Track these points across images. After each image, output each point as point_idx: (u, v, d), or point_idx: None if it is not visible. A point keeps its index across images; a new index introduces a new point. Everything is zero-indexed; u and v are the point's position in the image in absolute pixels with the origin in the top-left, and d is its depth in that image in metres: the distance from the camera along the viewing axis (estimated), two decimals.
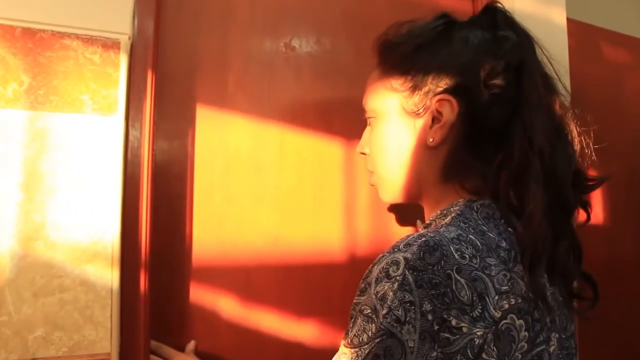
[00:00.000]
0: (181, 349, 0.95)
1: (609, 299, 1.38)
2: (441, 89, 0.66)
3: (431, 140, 0.67)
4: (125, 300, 0.84)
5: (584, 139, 0.68)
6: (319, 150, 1.06)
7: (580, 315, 0.68)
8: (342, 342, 0.58)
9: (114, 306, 0.82)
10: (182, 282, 0.96)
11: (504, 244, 0.59)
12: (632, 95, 1.45)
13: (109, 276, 0.82)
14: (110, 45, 0.85)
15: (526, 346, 0.57)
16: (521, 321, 0.56)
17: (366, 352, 0.52)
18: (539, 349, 0.59)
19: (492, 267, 0.56)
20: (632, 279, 1.43)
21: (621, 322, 1.37)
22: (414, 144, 0.69)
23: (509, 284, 0.56)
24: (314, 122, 1.06)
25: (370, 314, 0.53)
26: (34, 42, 0.80)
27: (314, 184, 1.06)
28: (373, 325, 0.53)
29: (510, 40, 0.66)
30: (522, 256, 0.59)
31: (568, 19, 1.26)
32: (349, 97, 1.08)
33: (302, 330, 1.03)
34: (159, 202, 0.92)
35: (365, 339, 0.53)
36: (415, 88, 0.68)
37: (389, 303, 0.52)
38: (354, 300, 0.58)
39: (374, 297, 0.54)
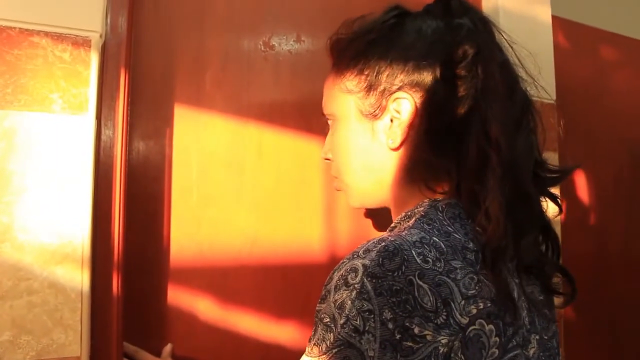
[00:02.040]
0: (158, 352, 0.93)
1: (598, 296, 1.37)
2: (396, 86, 0.63)
3: (391, 141, 0.65)
4: (97, 303, 0.82)
5: (558, 126, 0.67)
6: (298, 150, 1.05)
7: (559, 308, 0.67)
8: (307, 348, 0.57)
9: (84, 309, 0.81)
10: (158, 283, 0.95)
11: (470, 245, 0.57)
12: (618, 92, 1.44)
13: (79, 278, 0.81)
14: (81, 43, 0.83)
15: (497, 352, 0.54)
16: (491, 326, 0.53)
17: None
18: (512, 354, 0.56)
19: (458, 271, 0.54)
20: (620, 276, 1.42)
21: (610, 319, 1.36)
22: (374, 146, 0.67)
23: (477, 287, 0.54)
24: (293, 121, 1.05)
25: (329, 323, 0.52)
26: (1, 39, 0.79)
27: (293, 184, 1.04)
28: (331, 334, 0.52)
29: (464, 27, 0.63)
30: (483, 254, 0.56)
31: (553, 17, 1.25)
32: None
33: (281, 332, 1.01)
34: (134, 203, 0.90)
35: (324, 349, 0.52)
36: (370, 88, 0.66)
37: (347, 312, 0.50)
38: (316, 307, 0.56)
39: (332, 305, 0.52)
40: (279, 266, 1.02)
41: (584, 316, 1.25)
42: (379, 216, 1.09)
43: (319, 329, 0.54)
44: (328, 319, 0.53)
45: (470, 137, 0.59)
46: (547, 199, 0.67)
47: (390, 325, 0.49)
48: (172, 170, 0.97)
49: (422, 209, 0.62)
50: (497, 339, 0.54)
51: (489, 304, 0.54)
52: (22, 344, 0.76)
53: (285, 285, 1.02)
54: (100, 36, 0.86)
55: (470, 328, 0.52)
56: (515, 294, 0.58)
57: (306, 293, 1.03)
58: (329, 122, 0.76)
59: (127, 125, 0.88)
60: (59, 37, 0.82)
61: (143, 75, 0.95)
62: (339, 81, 0.70)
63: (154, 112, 0.96)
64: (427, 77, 0.62)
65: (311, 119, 1.06)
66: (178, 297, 0.96)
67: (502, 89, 0.60)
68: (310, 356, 0.54)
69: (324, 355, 0.51)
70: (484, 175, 0.57)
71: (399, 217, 0.66)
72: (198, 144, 0.98)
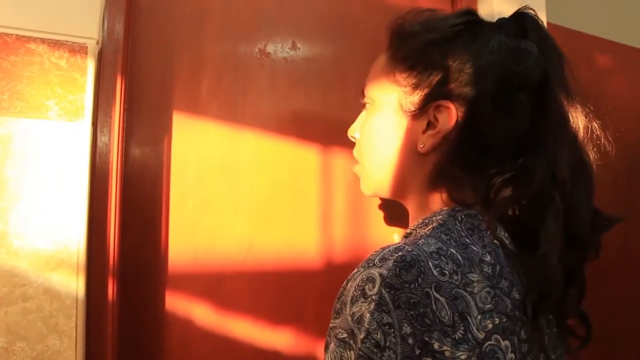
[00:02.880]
0: (153, 358, 0.93)
1: (594, 301, 1.37)
2: (443, 94, 0.60)
3: (421, 146, 0.62)
4: (92, 310, 0.83)
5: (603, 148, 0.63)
6: (294, 157, 1.05)
7: (570, 352, 0.64)
8: None
9: (80, 315, 0.81)
10: (154, 290, 0.95)
11: (488, 258, 0.55)
12: (613, 99, 1.45)
13: (75, 285, 0.81)
14: (78, 49, 0.84)
15: None
16: (507, 342, 0.51)
17: None
18: None
19: (475, 284, 0.52)
20: (617, 281, 1.42)
21: (607, 323, 1.36)
22: (403, 145, 0.64)
23: (493, 301, 0.52)
24: (288, 128, 1.05)
25: (347, 339, 0.49)
26: None
27: (289, 191, 1.04)
28: (351, 352, 0.48)
29: (534, 55, 0.59)
30: (527, 295, 0.54)
31: (548, 24, 1.25)
32: (325, 103, 1.08)
33: (276, 338, 1.01)
34: (130, 209, 0.90)
35: None
36: (417, 86, 0.63)
37: (367, 326, 0.47)
38: (330, 324, 0.53)
39: (349, 319, 0.49)
40: (274, 272, 1.02)
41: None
42: (375, 223, 1.09)
43: (335, 347, 0.50)
44: (345, 335, 0.49)
45: (534, 174, 0.56)
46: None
47: (411, 341, 0.47)
48: (168, 176, 0.97)
49: (440, 217, 0.60)
50: (513, 355, 0.52)
51: (504, 320, 0.52)
52: (16, 350, 0.76)
53: (281, 291, 1.02)
54: (97, 43, 0.86)
55: (487, 343, 0.50)
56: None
57: (301, 299, 1.03)
58: (366, 103, 0.72)
59: (123, 131, 0.89)
60: (55, 44, 0.82)
61: (139, 82, 0.95)
62: (389, 69, 0.67)
63: (150, 118, 0.97)
64: (478, 94, 0.59)
65: (307, 126, 1.06)
66: (174, 303, 0.96)
67: (569, 128, 0.58)
68: None
69: None
70: (542, 216, 0.55)
71: (416, 223, 0.63)
72: (194, 151, 0.99)
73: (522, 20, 0.63)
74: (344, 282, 0.54)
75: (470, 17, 0.64)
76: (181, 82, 0.99)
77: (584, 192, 0.58)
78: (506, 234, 0.58)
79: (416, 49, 0.64)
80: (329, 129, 1.06)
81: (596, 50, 1.44)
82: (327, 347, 0.53)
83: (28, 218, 0.79)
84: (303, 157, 1.06)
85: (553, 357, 0.61)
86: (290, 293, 1.03)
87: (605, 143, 0.66)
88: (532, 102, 0.58)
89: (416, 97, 0.63)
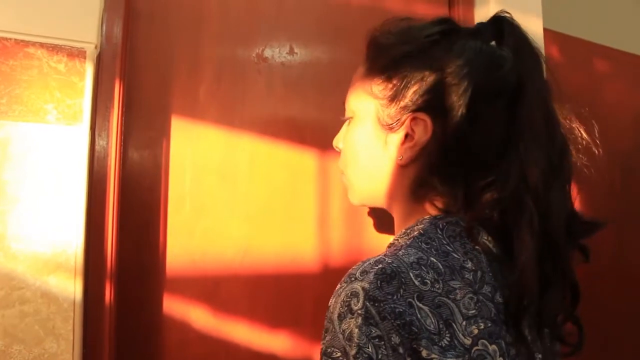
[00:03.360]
0: None
1: (588, 309, 1.38)
2: (419, 105, 0.60)
3: (400, 158, 0.63)
4: (89, 312, 0.83)
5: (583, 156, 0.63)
6: (290, 161, 1.06)
7: (564, 356, 0.64)
8: None
9: (77, 318, 0.81)
10: (151, 293, 0.95)
11: (469, 265, 0.55)
12: (609, 104, 1.45)
13: (72, 288, 0.81)
14: (76, 54, 0.84)
15: None
16: (494, 346, 0.52)
17: None
18: None
19: (457, 291, 0.53)
20: (612, 289, 1.42)
21: (600, 332, 1.36)
22: (383, 157, 0.65)
23: (477, 307, 0.53)
24: (285, 132, 1.06)
25: (340, 357, 0.49)
26: None
27: (286, 195, 1.05)
28: None
29: (509, 61, 0.59)
30: (507, 306, 0.54)
31: (545, 29, 1.26)
32: (322, 107, 1.08)
33: (273, 341, 1.02)
34: (128, 213, 0.91)
35: None
36: (393, 99, 0.63)
37: (357, 341, 0.48)
38: (321, 343, 0.53)
39: (341, 337, 0.49)
40: (271, 276, 1.02)
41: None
42: (370, 226, 1.10)
43: None
44: (339, 354, 0.49)
45: (507, 180, 0.56)
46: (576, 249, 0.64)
47: (401, 350, 0.48)
48: (166, 180, 0.98)
49: (421, 226, 0.60)
50: (502, 359, 0.53)
51: (489, 324, 0.53)
52: (13, 353, 0.76)
53: (277, 294, 1.02)
54: (96, 47, 0.87)
55: (474, 349, 0.51)
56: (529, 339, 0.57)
57: (297, 302, 1.04)
58: (347, 114, 0.73)
59: (121, 135, 0.89)
60: (54, 48, 0.83)
61: (138, 86, 0.96)
62: (367, 81, 0.67)
63: (148, 122, 0.97)
64: (455, 103, 0.58)
65: (303, 130, 1.07)
66: (171, 306, 0.96)
67: (544, 132, 0.57)
68: None
69: None
70: (517, 223, 0.55)
71: (400, 233, 0.63)
72: (192, 154, 0.99)
73: (499, 24, 0.63)
74: (330, 299, 0.54)
75: (446, 26, 0.64)
76: (179, 86, 1.00)
77: (559, 197, 0.58)
78: (489, 238, 0.58)
79: (392, 61, 0.63)
80: (325, 133, 1.06)
81: (593, 56, 1.44)
82: None
83: (26, 221, 0.79)
84: (300, 161, 1.06)
85: (550, 358, 0.62)
86: (287, 296, 1.03)
87: (592, 145, 0.65)
88: (508, 109, 0.58)
89: (393, 109, 0.63)
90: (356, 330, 0.48)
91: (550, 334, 0.62)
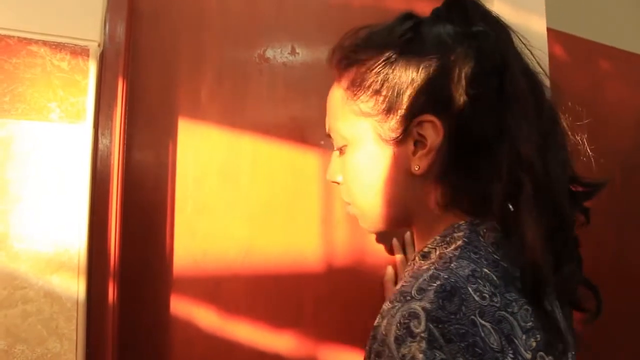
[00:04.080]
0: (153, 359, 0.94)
1: (588, 304, 1.38)
2: (420, 108, 0.57)
3: (417, 168, 0.58)
4: (93, 312, 0.83)
5: (577, 134, 0.61)
6: (293, 162, 1.05)
7: (585, 323, 0.61)
8: None
9: (80, 318, 0.81)
10: (154, 292, 0.95)
11: (518, 274, 0.52)
12: (611, 104, 1.45)
13: (75, 287, 0.81)
14: (79, 52, 0.84)
15: None
16: (550, 357, 0.50)
17: None
18: None
19: (514, 303, 0.50)
20: (612, 289, 1.42)
21: (602, 331, 1.37)
22: (396, 173, 0.60)
23: (531, 318, 0.50)
24: (287, 133, 1.05)
25: None
26: None
27: (287, 195, 1.05)
28: None
29: (489, 36, 0.56)
30: (524, 289, 0.52)
31: (548, 29, 1.26)
32: (324, 108, 1.08)
33: (275, 340, 1.01)
34: (131, 212, 0.90)
35: None
36: (389, 110, 0.59)
37: None
38: None
39: None
40: (273, 276, 1.02)
41: (577, 327, 1.25)
42: None
43: None
44: None
45: (501, 160, 0.53)
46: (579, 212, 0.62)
47: None
48: (170, 179, 0.97)
49: (461, 233, 0.56)
50: None
51: (543, 334, 0.51)
52: (16, 353, 0.76)
53: (280, 294, 1.02)
54: (99, 45, 0.86)
55: None
56: (561, 324, 0.54)
57: (299, 303, 1.03)
58: (335, 144, 0.69)
59: (124, 134, 0.89)
60: (57, 46, 0.82)
61: (141, 84, 0.95)
62: (351, 102, 0.62)
63: (152, 121, 0.97)
64: (452, 95, 0.55)
65: (305, 131, 1.06)
66: (174, 306, 0.96)
67: (529, 103, 0.54)
68: None
69: None
70: (517, 199, 0.52)
71: (433, 241, 0.59)
72: (195, 154, 0.99)
73: (460, 5, 0.60)
74: (378, 318, 0.50)
75: (413, 21, 0.61)
76: (182, 85, 0.99)
77: (556, 166, 0.55)
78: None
79: (373, 73, 0.60)
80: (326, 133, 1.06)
81: (596, 55, 1.44)
82: None
83: (29, 220, 0.79)
84: (301, 161, 1.06)
85: (573, 352, 0.60)
86: (288, 296, 1.03)
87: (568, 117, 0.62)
88: (498, 87, 0.55)
89: (392, 121, 0.59)
90: (420, 355, 0.44)
91: (567, 302, 0.60)
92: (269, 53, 1.06)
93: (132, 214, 0.91)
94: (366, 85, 0.60)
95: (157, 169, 0.96)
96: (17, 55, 0.80)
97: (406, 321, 0.46)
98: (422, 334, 0.45)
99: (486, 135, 0.55)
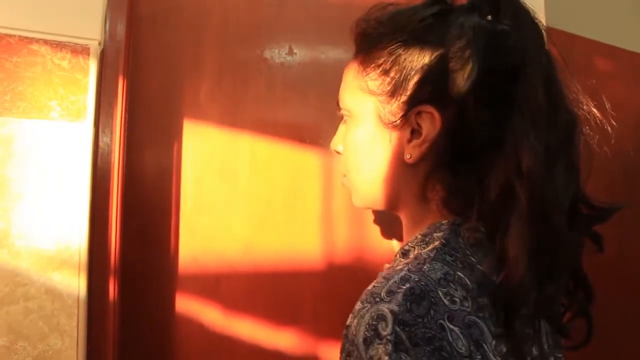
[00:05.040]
0: (154, 357, 0.94)
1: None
2: (423, 97, 0.55)
3: (408, 157, 0.57)
4: (94, 309, 0.83)
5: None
6: (291, 160, 1.06)
7: (570, 350, 0.61)
8: None
9: (81, 315, 0.81)
10: (155, 289, 0.95)
11: (495, 278, 0.51)
12: (611, 103, 1.45)
13: (76, 284, 0.81)
14: (80, 50, 0.84)
15: None
16: None
17: None
18: None
19: (486, 308, 0.49)
20: (613, 290, 1.42)
21: (602, 330, 1.37)
22: (390, 157, 0.59)
23: None
24: (285, 132, 1.06)
25: None
26: (0, 47, 0.79)
27: (285, 194, 1.05)
28: None
29: (511, 37, 0.53)
30: (495, 306, 0.50)
31: (548, 28, 1.25)
32: (321, 107, 1.08)
33: (276, 338, 1.02)
34: (131, 209, 0.91)
35: None
36: (394, 93, 0.57)
37: None
38: None
39: None
40: (272, 273, 1.03)
41: (577, 328, 1.25)
42: (371, 224, 1.10)
43: None
44: None
45: (499, 167, 0.51)
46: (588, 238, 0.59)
47: None
48: (169, 177, 0.98)
49: (441, 234, 0.55)
50: None
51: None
52: (18, 349, 0.77)
53: (279, 292, 1.03)
54: (99, 44, 0.87)
55: None
56: (531, 342, 0.53)
57: (298, 300, 1.04)
58: (344, 115, 0.67)
59: (124, 132, 0.89)
60: (58, 45, 0.83)
61: (141, 83, 0.95)
62: (360, 77, 0.61)
63: (152, 119, 0.97)
64: (460, 90, 0.52)
65: (303, 130, 1.07)
66: (173, 303, 0.97)
67: (543, 112, 0.52)
68: None
69: None
70: (507, 213, 0.50)
71: (414, 239, 0.59)
72: (194, 152, 0.99)
73: None
74: (349, 318, 0.50)
75: (440, 7, 0.58)
76: (182, 84, 1.00)
77: (561, 181, 0.52)
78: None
79: (386, 53, 0.58)
80: (325, 132, 1.06)
81: (596, 54, 1.44)
82: None
83: (30, 218, 0.79)
84: (299, 160, 1.06)
85: (559, 355, 0.60)
86: (288, 294, 1.03)
87: (606, 126, 0.59)
88: (511, 91, 0.52)
89: (394, 105, 0.58)
90: (386, 357, 0.44)
91: (554, 329, 0.59)
92: (267, 53, 1.06)
93: (133, 212, 0.92)
94: (378, 64, 0.59)
95: (157, 166, 0.97)
96: (18, 54, 0.80)
97: (374, 323, 0.46)
98: (389, 337, 0.45)
99: (487, 138, 0.53)
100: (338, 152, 0.72)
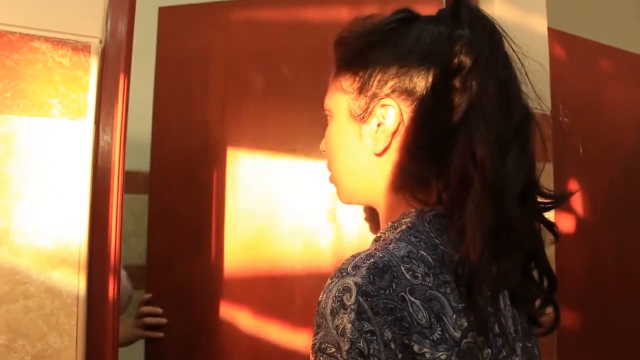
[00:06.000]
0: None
1: (591, 309, 1.38)
2: (386, 92, 0.62)
3: (374, 147, 0.63)
4: (93, 308, 0.83)
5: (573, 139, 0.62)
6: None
7: (540, 335, 0.66)
8: None
9: (80, 314, 0.81)
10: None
11: (457, 257, 0.55)
12: (612, 104, 1.45)
13: (76, 283, 0.81)
14: (81, 48, 0.84)
15: None
16: (482, 338, 0.53)
17: None
18: None
19: (447, 285, 0.54)
20: (613, 289, 1.43)
21: (603, 331, 1.37)
22: (360, 149, 0.65)
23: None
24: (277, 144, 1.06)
25: (335, 353, 0.50)
26: (1, 44, 0.79)
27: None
28: None
29: (465, 37, 0.59)
30: (457, 282, 0.54)
31: (549, 29, 1.26)
32: (313, 122, 1.09)
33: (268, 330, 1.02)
34: None
35: None
36: (361, 90, 0.64)
37: (349, 336, 0.49)
38: (313, 340, 0.53)
39: (334, 332, 0.50)
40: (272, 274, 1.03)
41: (577, 329, 1.25)
42: (362, 225, 1.10)
43: None
44: (333, 349, 0.50)
45: (456, 155, 0.56)
46: (542, 226, 0.65)
47: (393, 346, 0.49)
48: None
49: (408, 219, 0.60)
50: (489, 350, 0.54)
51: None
52: (17, 348, 0.76)
53: (274, 289, 1.03)
54: (100, 42, 0.86)
55: (464, 341, 0.52)
56: (493, 318, 0.57)
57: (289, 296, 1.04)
58: (326, 114, 0.74)
59: (125, 130, 0.89)
60: (59, 43, 0.82)
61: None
62: (337, 79, 0.68)
63: None
64: (418, 86, 0.60)
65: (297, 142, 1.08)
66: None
67: (494, 106, 0.57)
68: None
69: None
70: (464, 197, 0.55)
71: (386, 227, 0.64)
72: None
73: (456, 7, 0.63)
74: (321, 294, 0.54)
75: (404, 14, 0.66)
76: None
77: (512, 170, 0.57)
78: None
79: (356, 54, 0.66)
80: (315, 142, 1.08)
81: (597, 55, 1.44)
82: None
83: (30, 216, 0.79)
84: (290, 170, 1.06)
85: (529, 344, 0.64)
86: (282, 293, 1.03)
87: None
88: (465, 87, 0.58)
89: (362, 101, 0.64)
90: (349, 325, 0.49)
91: (527, 317, 0.64)
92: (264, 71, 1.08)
93: None
94: (349, 65, 0.66)
95: None
96: (19, 52, 0.80)
97: (340, 295, 0.51)
98: (352, 306, 0.49)
99: (446, 130, 0.58)
100: (324, 151, 0.77)
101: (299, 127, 1.08)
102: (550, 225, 0.65)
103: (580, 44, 1.39)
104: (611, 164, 1.43)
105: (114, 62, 0.87)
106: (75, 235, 0.82)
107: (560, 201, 0.65)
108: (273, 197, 1.04)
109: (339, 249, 1.08)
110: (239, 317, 0.99)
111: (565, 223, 1.30)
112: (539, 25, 1.25)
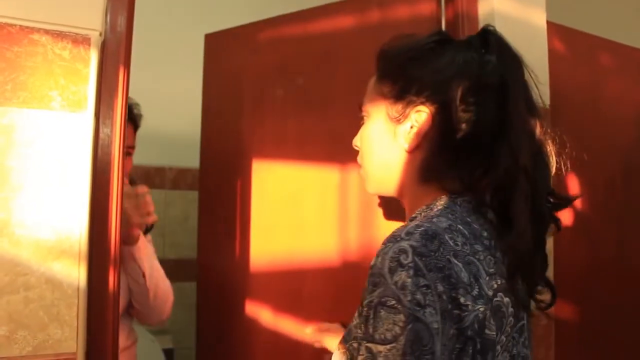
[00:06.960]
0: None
1: (590, 303, 1.38)
2: (420, 100, 0.72)
3: (406, 145, 0.74)
4: (94, 299, 0.83)
5: (561, 158, 0.75)
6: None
7: (538, 314, 0.74)
8: (363, 344, 0.59)
9: (81, 305, 0.82)
10: None
11: (485, 234, 0.68)
12: (611, 99, 1.45)
13: (76, 274, 0.81)
14: (81, 40, 0.84)
15: (513, 321, 0.65)
16: (507, 299, 0.64)
17: (403, 343, 0.56)
18: (520, 323, 0.68)
19: (480, 253, 0.64)
20: (613, 283, 1.43)
21: (602, 325, 1.37)
22: (393, 147, 0.76)
23: (495, 266, 0.65)
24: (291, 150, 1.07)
25: (395, 305, 0.57)
26: (1, 36, 0.79)
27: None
28: (401, 315, 0.57)
29: (492, 63, 0.72)
30: (509, 265, 0.65)
31: (548, 22, 1.26)
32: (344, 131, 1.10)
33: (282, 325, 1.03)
34: None
35: (398, 331, 0.56)
36: (399, 97, 0.74)
37: (410, 289, 0.57)
38: (367, 299, 0.60)
39: (393, 287, 0.58)
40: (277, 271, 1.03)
41: (576, 322, 1.25)
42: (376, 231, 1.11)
43: (384, 314, 0.58)
44: (394, 301, 0.57)
45: (499, 162, 0.68)
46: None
47: (444, 297, 0.58)
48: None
49: (442, 202, 0.71)
50: (512, 309, 0.65)
51: (503, 281, 0.65)
52: (18, 339, 0.77)
53: (280, 290, 1.03)
54: (100, 34, 0.87)
55: (494, 299, 0.62)
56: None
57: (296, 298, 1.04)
58: (363, 116, 0.83)
59: (125, 123, 0.89)
60: (59, 35, 0.83)
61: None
62: (378, 86, 0.79)
63: None
64: (447, 99, 0.71)
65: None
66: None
67: (528, 123, 0.70)
68: (381, 344, 0.57)
69: (402, 337, 0.56)
70: (512, 196, 0.67)
71: (420, 209, 0.73)
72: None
73: (485, 35, 0.75)
74: (373, 260, 0.61)
75: (440, 37, 0.78)
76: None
77: (542, 177, 0.70)
78: (494, 215, 0.70)
79: (397, 66, 0.77)
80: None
81: (596, 50, 1.44)
82: (367, 317, 0.59)
83: (30, 208, 0.80)
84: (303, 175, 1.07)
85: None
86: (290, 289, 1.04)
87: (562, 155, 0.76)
88: (496, 102, 0.70)
89: (399, 106, 0.75)
90: (408, 280, 0.57)
91: (527, 294, 0.72)
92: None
93: None
94: (390, 74, 0.77)
95: None
96: (19, 44, 0.80)
97: (397, 256, 0.59)
98: (410, 264, 0.58)
99: (479, 138, 0.70)
100: (357, 147, 0.87)
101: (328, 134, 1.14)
102: (557, 220, 0.76)
103: (579, 38, 1.39)
104: (610, 157, 1.43)
105: (114, 55, 0.87)
106: (75, 226, 0.82)
107: (568, 203, 0.77)
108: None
109: (359, 243, 1.09)
110: (262, 311, 1.01)
111: (564, 217, 1.30)
112: (538, 19, 1.25)
